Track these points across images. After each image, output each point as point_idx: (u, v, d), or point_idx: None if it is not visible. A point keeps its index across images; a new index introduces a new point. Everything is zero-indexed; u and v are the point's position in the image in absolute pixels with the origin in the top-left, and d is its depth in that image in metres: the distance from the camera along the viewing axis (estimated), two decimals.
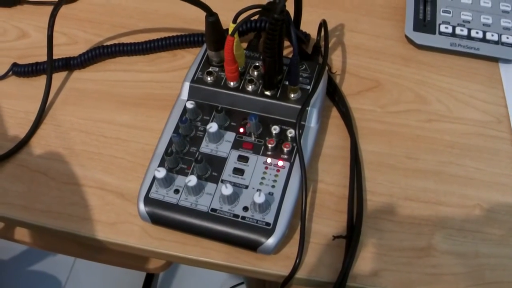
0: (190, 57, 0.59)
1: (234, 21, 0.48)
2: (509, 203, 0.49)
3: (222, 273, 1.21)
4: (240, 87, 0.51)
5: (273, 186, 0.46)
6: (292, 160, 0.47)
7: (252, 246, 0.44)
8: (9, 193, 0.50)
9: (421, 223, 0.48)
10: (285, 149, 0.48)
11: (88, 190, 0.50)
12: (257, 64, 0.52)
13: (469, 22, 0.60)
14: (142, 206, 0.46)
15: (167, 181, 0.46)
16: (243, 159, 0.48)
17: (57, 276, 1.32)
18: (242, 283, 1.24)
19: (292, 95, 0.50)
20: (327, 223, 0.48)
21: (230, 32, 0.47)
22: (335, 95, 0.55)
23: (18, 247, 1.30)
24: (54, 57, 0.57)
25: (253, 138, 0.49)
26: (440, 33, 0.59)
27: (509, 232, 0.48)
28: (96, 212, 0.49)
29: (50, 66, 0.56)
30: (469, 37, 0.59)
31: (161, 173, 0.45)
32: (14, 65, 0.58)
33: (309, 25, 0.59)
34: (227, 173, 0.47)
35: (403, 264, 0.46)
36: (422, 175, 0.51)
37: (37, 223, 0.49)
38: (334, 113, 0.55)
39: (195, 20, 0.62)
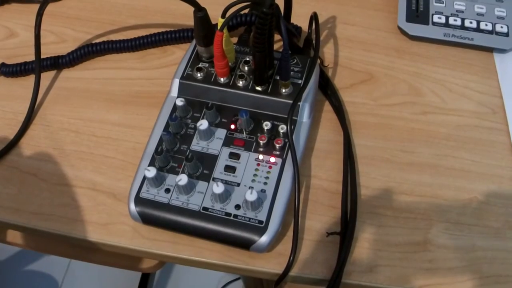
0: (180, 53, 0.58)
1: (223, 15, 0.47)
2: (506, 195, 0.49)
3: None
4: (231, 82, 0.50)
5: (265, 183, 0.45)
6: (284, 156, 0.47)
7: (245, 245, 0.44)
8: None
9: (417, 217, 0.47)
10: (277, 145, 0.47)
11: (79, 191, 0.50)
12: (247, 59, 0.51)
13: (462, 12, 0.59)
14: (132, 206, 0.45)
15: (157, 180, 0.45)
16: (234, 156, 0.47)
17: (53, 275, 1.31)
18: (238, 278, 1.23)
19: (284, 90, 0.49)
20: (321, 219, 0.47)
21: (219, 27, 0.46)
22: (327, 89, 0.54)
23: (13, 248, 1.29)
24: (43, 56, 0.56)
25: (244, 135, 0.48)
26: (434, 23, 0.58)
27: (506, 224, 0.47)
28: (87, 213, 0.48)
29: (38, 66, 0.55)
30: (462, 27, 0.58)
31: (151, 172, 0.45)
32: (2, 65, 0.58)
33: (300, 18, 0.58)
34: (218, 171, 0.46)
35: (399, 259, 0.45)
36: (417, 168, 0.50)
37: (28, 225, 0.49)
38: (327, 107, 0.54)
39: (185, 16, 0.62)
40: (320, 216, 0.47)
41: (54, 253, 0.83)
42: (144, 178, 0.46)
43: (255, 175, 0.46)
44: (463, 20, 0.58)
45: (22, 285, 1.30)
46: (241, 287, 1.22)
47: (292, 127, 0.48)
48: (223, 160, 0.47)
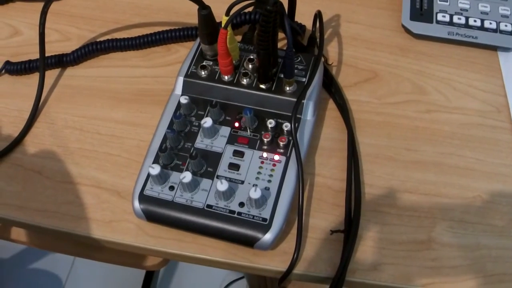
0: (184, 51, 0.58)
1: (227, 13, 0.47)
2: (510, 194, 0.48)
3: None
4: (235, 80, 0.50)
5: (269, 181, 0.46)
6: (288, 154, 0.47)
7: (249, 242, 0.44)
8: (4, 193, 0.50)
9: (421, 216, 0.47)
10: (281, 143, 0.47)
11: (83, 189, 0.50)
12: (251, 57, 0.51)
13: (466, 10, 0.59)
14: (137, 204, 0.45)
15: (161, 178, 0.45)
16: (238, 154, 0.47)
17: (57, 273, 1.32)
18: (242, 277, 1.23)
19: (288, 88, 0.49)
20: (324, 217, 0.47)
21: (223, 25, 0.46)
22: (331, 87, 0.54)
23: (18, 246, 1.30)
24: (47, 54, 0.57)
25: (248, 133, 0.48)
26: (438, 22, 0.58)
27: (510, 223, 0.47)
28: (91, 211, 0.48)
29: (42, 64, 0.55)
30: (467, 25, 0.58)
31: (155, 170, 0.45)
32: (7, 63, 0.58)
33: (304, 16, 0.58)
34: (222, 169, 0.46)
35: (403, 258, 0.45)
36: (421, 167, 0.50)
37: (32, 222, 0.49)
38: (331, 105, 0.54)
39: (188, 14, 0.62)
40: (324, 214, 0.47)
41: (58, 251, 0.83)
42: (148, 175, 0.46)
43: (259, 172, 0.46)
44: (467, 18, 0.58)
45: (26, 283, 1.31)
46: (245, 286, 1.22)
47: (296, 125, 0.48)
48: (227, 157, 0.47)
